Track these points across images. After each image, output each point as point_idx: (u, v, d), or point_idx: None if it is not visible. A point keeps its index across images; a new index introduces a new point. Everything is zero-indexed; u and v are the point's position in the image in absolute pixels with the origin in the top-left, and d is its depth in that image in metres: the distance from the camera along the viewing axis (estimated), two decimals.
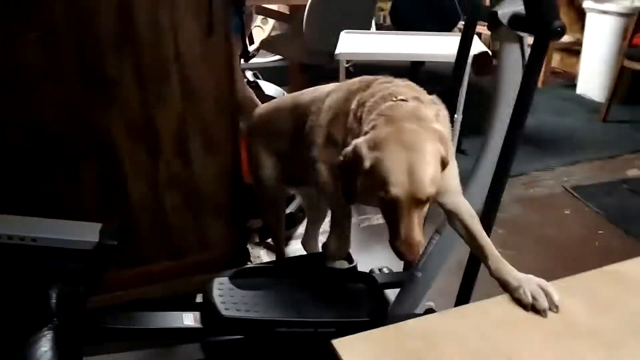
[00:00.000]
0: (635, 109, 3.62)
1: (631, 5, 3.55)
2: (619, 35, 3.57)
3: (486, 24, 1.14)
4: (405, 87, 1.06)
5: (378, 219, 2.12)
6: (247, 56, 1.68)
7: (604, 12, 3.64)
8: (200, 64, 1.47)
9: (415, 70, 3.26)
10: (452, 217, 1.08)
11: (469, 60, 1.35)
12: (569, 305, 0.85)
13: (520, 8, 1.06)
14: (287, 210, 1.80)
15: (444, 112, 1.06)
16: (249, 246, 1.85)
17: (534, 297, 0.85)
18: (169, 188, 1.56)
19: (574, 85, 4.10)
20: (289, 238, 1.96)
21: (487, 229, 1.12)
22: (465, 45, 1.32)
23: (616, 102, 3.49)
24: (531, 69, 1.02)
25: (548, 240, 2.03)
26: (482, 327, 0.81)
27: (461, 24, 3.59)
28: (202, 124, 1.54)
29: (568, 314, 0.84)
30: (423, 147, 0.88)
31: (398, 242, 0.89)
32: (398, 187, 0.86)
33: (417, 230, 0.89)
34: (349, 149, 0.94)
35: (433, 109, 1.01)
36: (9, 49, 1.28)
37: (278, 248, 1.69)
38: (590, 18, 3.80)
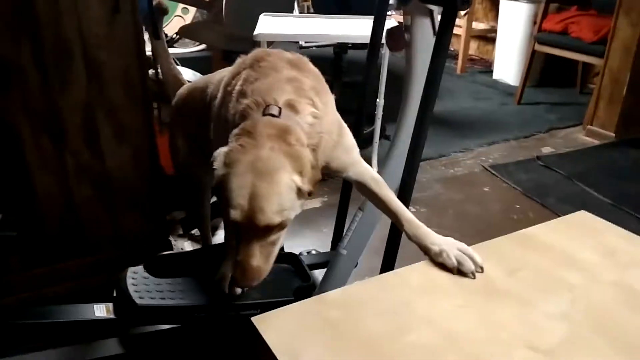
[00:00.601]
0: (547, 91, 3.84)
1: None
2: (530, 22, 3.77)
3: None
4: (290, 76, 0.94)
5: (306, 204, 2.12)
6: (158, 35, 1.61)
7: (516, 0, 3.83)
8: (107, 45, 1.39)
9: (338, 59, 3.29)
10: (359, 187, 1.08)
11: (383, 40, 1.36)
12: (485, 267, 0.88)
13: None
14: (213, 199, 1.75)
15: (325, 100, 0.97)
16: (171, 238, 1.79)
17: (459, 262, 0.87)
18: (78, 180, 1.48)
19: (490, 71, 4.29)
20: (215, 228, 1.92)
21: (396, 233, 1.14)
22: (379, 23, 1.33)
23: (529, 85, 3.69)
24: (441, 38, 1.04)
25: (469, 216, 2.11)
26: (401, 293, 0.82)
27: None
28: (112, 110, 1.46)
29: (484, 276, 0.87)
30: (274, 176, 0.81)
31: (234, 265, 0.84)
32: (237, 211, 0.79)
33: (255, 257, 0.81)
34: (215, 153, 0.87)
35: (307, 111, 0.91)
36: None
37: (204, 237, 1.64)
38: (503, 6, 3.98)
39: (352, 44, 3.39)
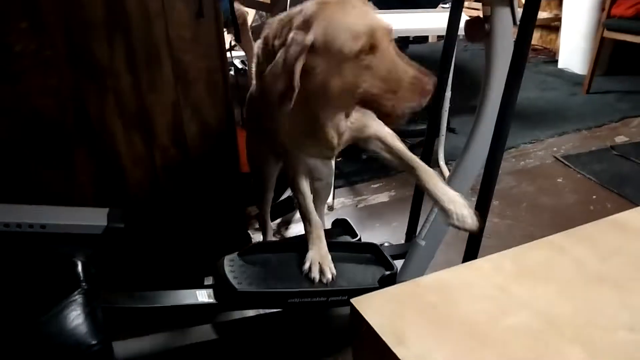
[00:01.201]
0: (617, 79, 3.68)
1: None
2: (597, 8, 3.62)
3: None
4: None
5: (374, 198, 2.14)
6: (239, 38, 1.68)
7: None
8: (192, 47, 1.46)
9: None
10: (374, 142, 1.16)
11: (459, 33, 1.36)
12: (577, 254, 0.88)
13: None
14: (286, 194, 1.81)
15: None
16: (250, 232, 1.86)
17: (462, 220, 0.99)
18: (165, 175, 1.57)
19: (555, 61, 4.16)
20: (288, 222, 1.97)
21: (486, 201, 1.16)
22: (455, 16, 1.34)
23: (598, 74, 3.55)
24: (525, 27, 1.04)
25: (543, 207, 2.07)
26: (496, 278, 0.83)
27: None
28: (196, 108, 1.54)
29: (577, 262, 0.87)
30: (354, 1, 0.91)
31: (412, 79, 0.89)
32: (367, 27, 0.87)
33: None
34: (289, 38, 0.92)
35: None
36: None
37: (262, 226, 1.71)
38: None
39: (413, 37, 3.38)
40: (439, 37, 4.24)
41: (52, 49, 1.32)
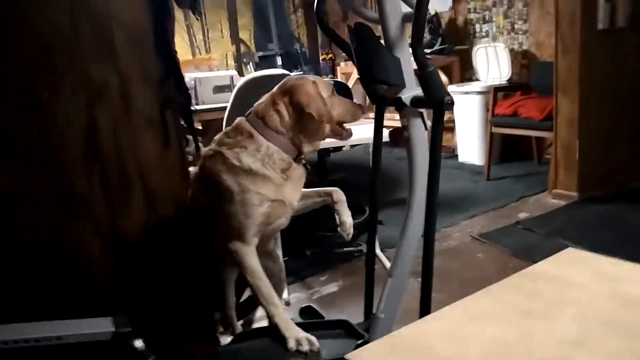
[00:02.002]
0: (509, 166, 4.24)
1: (486, 84, 4.28)
2: (484, 109, 4.24)
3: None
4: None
5: (325, 289, 2.31)
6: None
7: (467, 93, 4.33)
8: (160, 173, 1.65)
9: (321, 161, 3.64)
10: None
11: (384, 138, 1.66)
12: (508, 298, 1.10)
13: (418, 92, 1.40)
14: (246, 294, 1.93)
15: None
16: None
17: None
18: (137, 287, 1.66)
19: (455, 156, 4.71)
20: (250, 322, 2.07)
21: (428, 283, 1.38)
22: (378, 127, 1.64)
23: (493, 163, 4.08)
24: (435, 132, 1.33)
25: (472, 280, 2.33)
26: (454, 323, 1.03)
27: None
28: (165, 225, 1.68)
29: (509, 304, 1.09)
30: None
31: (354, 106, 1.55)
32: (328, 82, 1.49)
33: None
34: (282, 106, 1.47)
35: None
36: None
37: (228, 329, 1.81)
38: (457, 99, 4.48)
39: (334, 148, 3.75)
40: (351, 146, 4.67)
41: (36, 188, 1.45)
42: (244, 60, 6.65)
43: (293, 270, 2.51)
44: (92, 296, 1.57)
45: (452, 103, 1.30)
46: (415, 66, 1.32)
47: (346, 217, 1.51)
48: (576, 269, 1.22)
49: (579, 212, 3.09)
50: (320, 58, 6.98)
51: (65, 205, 1.49)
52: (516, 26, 4.52)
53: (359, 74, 1.44)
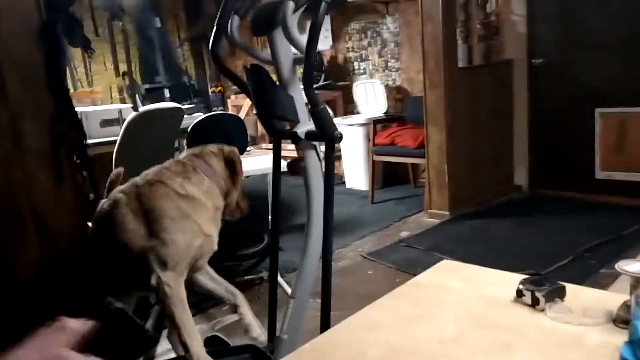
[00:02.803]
0: (390, 190, 4.55)
1: (366, 117, 4.58)
2: (366, 139, 4.53)
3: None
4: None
5: (229, 319, 2.32)
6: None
7: (350, 125, 4.60)
8: (53, 207, 1.58)
9: None
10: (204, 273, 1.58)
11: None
12: (396, 305, 1.23)
13: (311, 127, 1.51)
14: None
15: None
16: None
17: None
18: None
19: (343, 182, 4.95)
20: (152, 358, 2.02)
21: (328, 300, 1.48)
22: (276, 158, 1.72)
23: (377, 188, 4.36)
24: (328, 163, 1.44)
25: (363, 295, 2.47)
26: (358, 331, 1.12)
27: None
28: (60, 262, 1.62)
29: (397, 311, 1.21)
30: None
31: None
32: None
33: None
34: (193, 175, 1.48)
35: None
36: None
37: None
38: (341, 131, 4.74)
39: None
40: (246, 177, 4.73)
41: None
42: (129, 92, 6.44)
43: (194, 302, 2.48)
44: None
45: (341, 137, 1.43)
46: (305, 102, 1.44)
47: (251, 319, 1.56)
48: (451, 277, 1.39)
49: (451, 228, 3.42)
50: (210, 90, 6.98)
51: None
52: (389, 64, 4.92)
53: (256, 111, 1.52)
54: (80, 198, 1.65)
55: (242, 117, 4.63)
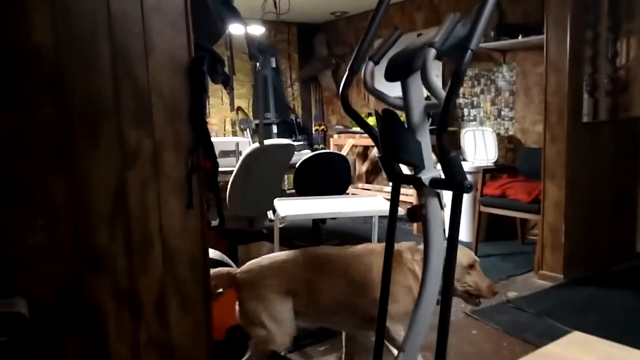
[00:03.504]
0: (494, 244, 4.30)
1: (474, 165, 4.43)
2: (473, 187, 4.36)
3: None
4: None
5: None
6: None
7: None
8: (180, 234, 1.66)
9: (317, 228, 3.68)
10: None
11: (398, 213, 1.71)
12: None
13: (435, 174, 1.47)
14: None
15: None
16: None
17: None
18: (147, 349, 1.62)
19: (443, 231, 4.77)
20: None
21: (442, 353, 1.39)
22: (394, 202, 1.69)
23: (480, 240, 4.15)
24: (455, 213, 1.39)
25: (467, 355, 2.32)
26: None
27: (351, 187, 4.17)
28: (179, 286, 1.67)
29: None
30: None
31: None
32: None
33: None
34: None
35: None
36: (16, 234, 1.38)
37: None
38: None
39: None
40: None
41: (61, 241, 1.45)
42: (242, 126, 6.80)
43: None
44: (101, 355, 1.53)
45: (471, 187, 1.37)
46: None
47: None
48: (583, 352, 1.25)
49: (565, 293, 3.14)
50: (314, 129, 7.18)
51: (84, 259, 1.49)
52: (502, 113, 4.75)
53: (381, 154, 1.51)
54: (204, 226, 1.72)
55: (345, 154, 4.69)
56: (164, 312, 1.65)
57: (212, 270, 1.98)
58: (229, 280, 2.03)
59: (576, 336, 1.39)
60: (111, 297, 1.55)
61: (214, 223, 1.90)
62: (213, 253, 2.52)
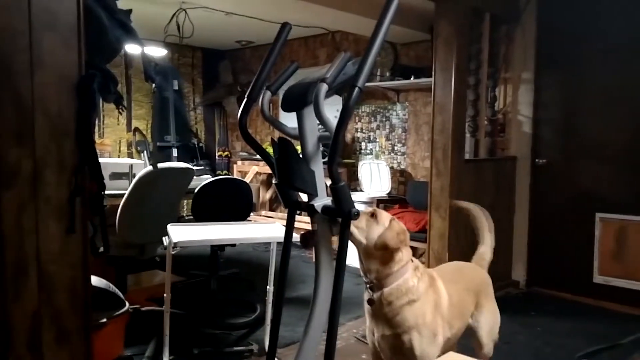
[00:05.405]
0: None
1: (369, 195, 4.62)
2: None
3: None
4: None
5: None
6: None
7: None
8: (59, 259, 1.55)
9: (214, 255, 3.60)
10: None
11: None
12: None
13: (328, 201, 1.52)
14: None
15: None
16: None
17: None
18: None
19: None
20: None
21: None
22: (289, 228, 1.72)
23: None
24: (343, 239, 1.44)
25: None
26: None
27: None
28: (56, 315, 1.56)
29: None
30: None
31: None
32: None
33: None
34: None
35: None
36: None
37: None
38: None
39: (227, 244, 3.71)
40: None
41: None
42: (138, 148, 6.52)
43: None
44: None
45: (357, 214, 1.44)
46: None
47: None
48: None
49: None
50: (217, 154, 7.08)
51: None
52: (396, 148, 5.03)
53: (277, 181, 1.54)
54: (87, 252, 1.62)
55: (248, 181, 4.67)
56: (38, 344, 1.52)
57: None
58: None
59: (450, 357, 1.49)
60: None
61: (102, 249, 1.80)
62: (97, 281, 2.37)
